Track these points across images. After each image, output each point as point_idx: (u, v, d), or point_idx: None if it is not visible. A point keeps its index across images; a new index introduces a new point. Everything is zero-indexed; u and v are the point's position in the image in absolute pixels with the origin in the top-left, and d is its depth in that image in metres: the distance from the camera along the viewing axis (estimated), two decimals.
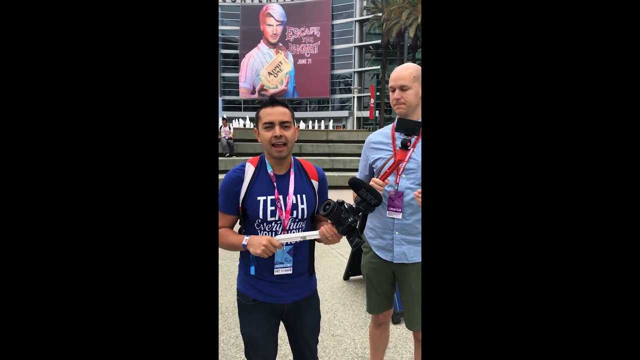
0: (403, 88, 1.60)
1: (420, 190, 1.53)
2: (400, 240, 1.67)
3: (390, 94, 1.64)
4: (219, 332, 2.68)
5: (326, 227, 1.34)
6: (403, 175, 1.64)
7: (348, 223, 1.29)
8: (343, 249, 4.53)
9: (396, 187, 1.65)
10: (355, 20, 41.03)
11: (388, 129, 1.76)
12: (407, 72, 1.61)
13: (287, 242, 1.39)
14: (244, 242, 1.34)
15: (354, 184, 1.36)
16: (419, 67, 1.62)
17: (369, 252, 1.81)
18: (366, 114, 35.18)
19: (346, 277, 3.73)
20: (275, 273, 1.41)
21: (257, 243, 1.30)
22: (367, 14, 37.47)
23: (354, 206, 1.34)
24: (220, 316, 2.90)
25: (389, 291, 1.84)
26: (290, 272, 1.43)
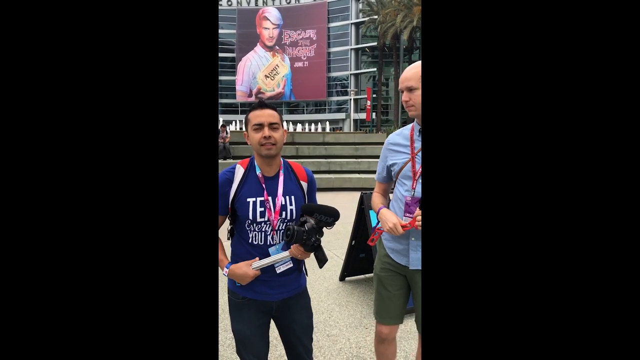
0: (410, 89, 1.52)
1: (419, 214, 1.47)
2: (417, 247, 1.58)
3: (402, 96, 1.59)
4: None
5: (294, 247, 1.43)
6: (420, 180, 1.55)
7: (311, 243, 1.39)
8: (339, 249, 4.56)
9: (413, 193, 1.57)
10: (351, 23, 41.13)
11: (407, 129, 1.67)
12: (412, 72, 1.51)
13: (278, 262, 1.48)
14: (225, 273, 1.45)
15: (306, 210, 1.43)
16: None
17: (385, 254, 1.73)
18: (363, 116, 35.21)
19: (342, 278, 3.75)
20: (278, 271, 1.47)
21: (242, 279, 1.42)
22: (363, 17, 37.61)
23: (314, 225, 1.41)
24: None
25: (401, 301, 1.72)
26: (292, 265, 1.49)
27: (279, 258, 1.44)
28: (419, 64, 1.54)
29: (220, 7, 42.39)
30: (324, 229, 1.43)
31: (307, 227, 1.38)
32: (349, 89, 39.71)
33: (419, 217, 1.46)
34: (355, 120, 37.47)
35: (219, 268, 1.40)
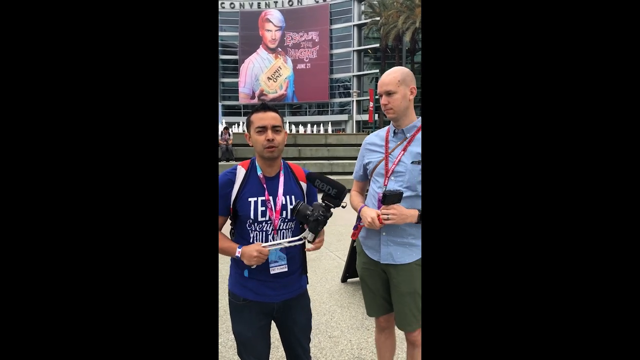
0: (389, 93, 1.64)
1: (380, 212, 1.57)
2: (387, 241, 1.69)
3: (380, 100, 1.69)
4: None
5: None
6: (392, 178, 1.67)
7: (313, 218, 1.39)
8: (341, 251, 4.56)
9: (384, 189, 1.67)
10: (354, 25, 41.14)
11: (383, 131, 1.80)
12: (390, 77, 1.64)
13: (276, 248, 1.48)
14: (237, 255, 1.43)
15: (309, 178, 1.48)
16: (406, 70, 1.66)
17: (362, 252, 1.83)
18: (365, 117, 35.18)
19: (344, 280, 3.76)
20: (272, 272, 1.47)
21: (249, 256, 1.40)
22: (365, 19, 37.65)
23: (321, 204, 1.42)
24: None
25: (385, 293, 1.83)
26: (286, 269, 1.49)
27: (291, 241, 1.46)
28: (396, 69, 1.67)
29: (222, 10, 42.54)
30: (332, 213, 1.42)
31: (314, 204, 1.41)
32: (351, 91, 39.71)
33: (384, 211, 1.57)
34: (357, 122, 37.43)
35: (233, 252, 1.44)
